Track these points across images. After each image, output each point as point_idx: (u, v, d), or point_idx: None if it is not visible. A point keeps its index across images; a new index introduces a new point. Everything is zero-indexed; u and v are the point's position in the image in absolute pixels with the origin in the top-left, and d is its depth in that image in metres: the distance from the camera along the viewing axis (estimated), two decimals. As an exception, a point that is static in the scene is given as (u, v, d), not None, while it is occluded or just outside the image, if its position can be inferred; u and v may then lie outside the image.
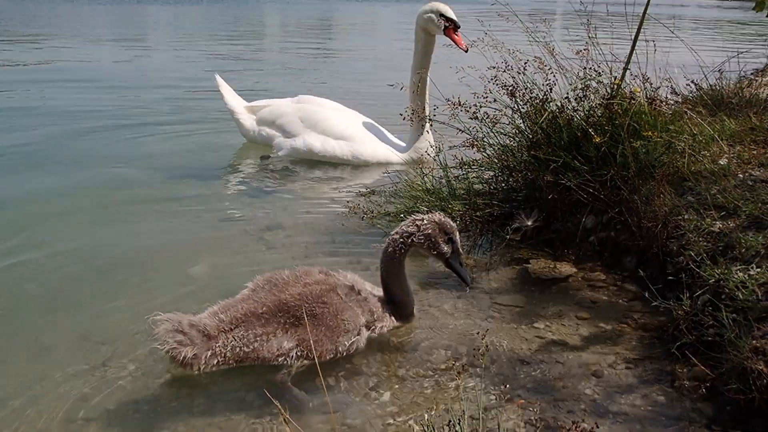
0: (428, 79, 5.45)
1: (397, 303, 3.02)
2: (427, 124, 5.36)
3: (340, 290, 2.85)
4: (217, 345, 2.63)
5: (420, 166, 5.19)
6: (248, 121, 6.21)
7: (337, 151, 5.79)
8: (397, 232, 2.96)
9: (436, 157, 4.34)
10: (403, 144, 5.84)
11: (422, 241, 2.93)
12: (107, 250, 3.92)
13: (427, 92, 5.47)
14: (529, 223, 3.67)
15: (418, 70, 5.45)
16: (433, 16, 5.30)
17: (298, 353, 2.69)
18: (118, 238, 4.13)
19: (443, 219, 2.98)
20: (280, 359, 2.68)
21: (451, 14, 5.27)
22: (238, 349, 2.64)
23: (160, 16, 28.07)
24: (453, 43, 5.34)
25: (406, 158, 5.69)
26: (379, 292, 3.04)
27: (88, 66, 12.44)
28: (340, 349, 2.77)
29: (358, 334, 2.83)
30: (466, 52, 5.07)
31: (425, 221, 2.94)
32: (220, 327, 2.66)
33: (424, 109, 5.39)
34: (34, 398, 2.58)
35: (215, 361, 2.64)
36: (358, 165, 5.78)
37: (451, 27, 5.29)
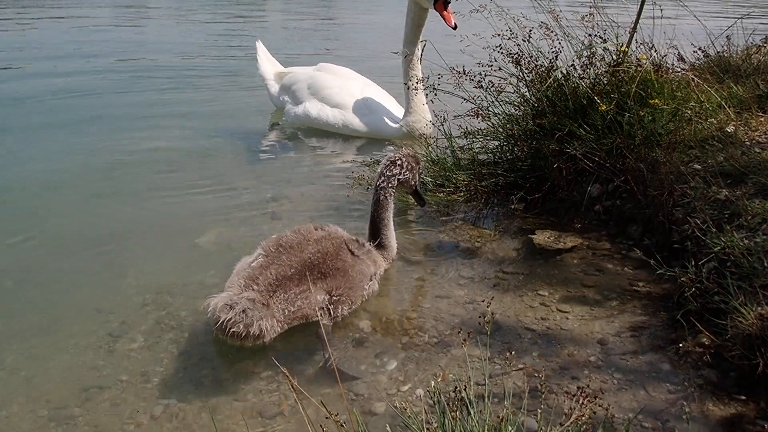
0: (420, 51, 5.35)
1: (385, 246, 3.27)
2: (422, 96, 5.32)
3: (350, 245, 3.04)
4: (274, 312, 2.68)
5: (413, 140, 5.19)
6: (274, 87, 6.27)
7: (330, 119, 5.78)
8: (383, 179, 3.23)
9: (441, 127, 4.31)
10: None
11: (408, 177, 3.29)
12: (114, 222, 3.93)
13: (419, 65, 5.39)
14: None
15: (407, 45, 5.35)
16: None
17: (335, 299, 2.83)
18: (124, 209, 4.14)
19: (412, 153, 3.40)
20: (320, 312, 2.78)
21: None
22: (286, 311, 2.71)
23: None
24: (442, 19, 5.14)
25: (398, 131, 5.64)
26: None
27: (93, 37, 12.36)
28: (365, 293, 3.00)
29: (371, 281, 3.05)
30: (455, 29, 4.93)
31: (404, 159, 3.28)
32: (263, 295, 2.69)
33: (417, 83, 5.32)
34: (47, 369, 2.62)
35: (279, 328, 2.69)
36: (349, 135, 5.75)
37: (440, 2, 5.12)
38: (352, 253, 3.01)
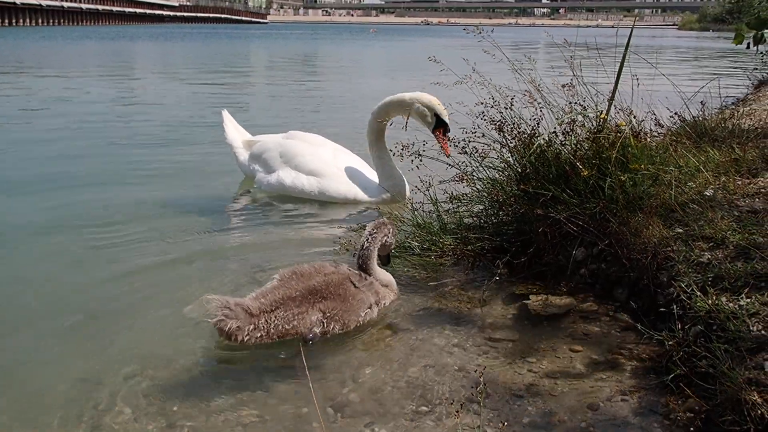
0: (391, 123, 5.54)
1: (386, 283, 3.66)
2: (394, 163, 5.47)
3: (352, 278, 3.48)
4: (259, 321, 3.12)
5: (392, 204, 5.25)
6: (243, 155, 6.28)
7: (306, 187, 5.79)
8: (370, 239, 3.62)
9: (426, 192, 4.37)
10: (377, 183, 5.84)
11: (390, 242, 3.72)
12: (99, 292, 3.90)
13: (385, 139, 5.57)
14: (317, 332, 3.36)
15: (373, 148, 5.63)
16: (426, 111, 5.28)
17: (328, 316, 3.27)
18: (108, 278, 4.10)
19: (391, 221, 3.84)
20: (313, 329, 3.23)
21: (446, 117, 5.20)
22: (280, 326, 3.16)
23: (147, 52, 28.21)
24: (437, 143, 5.18)
25: (375, 198, 5.71)
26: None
27: (75, 99, 12.51)
28: (360, 319, 3.41)
29: (369, 308, 3.46)
30: (448, 156, 4.89)
31: (389, 226, 3.71)
32: (262, 308, 3.15)
33: (387, 154, 5.47)
34: (29, 444, 2.55)
35: (258, 335, 3.13)
36: (325, 202, 5.77)
37: (441, 129, 5.19)
38: (354, 285, 3.43)
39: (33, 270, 4.29)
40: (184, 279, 4.06)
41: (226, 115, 6.39)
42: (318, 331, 3.24)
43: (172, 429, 2.64)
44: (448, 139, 5.07)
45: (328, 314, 3.27)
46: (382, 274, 3.67)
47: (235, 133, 6.37)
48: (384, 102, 5.49)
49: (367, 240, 3.62)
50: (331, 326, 3.28)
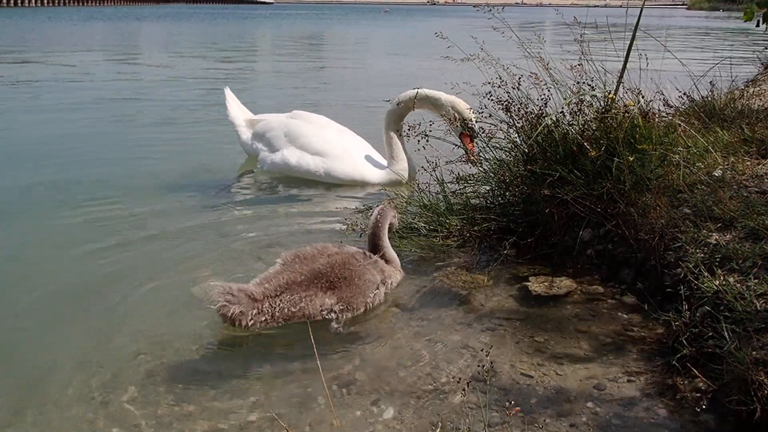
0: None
1: (390, 259, 3.63)
2: (405, 148, 5.45)
3: (357, 256, 3.42)
4: (263, 306, 3.11)
5: (399, 185, 5.23)
6: (246, 134, 6.25)
7: (311, 167, 5.76)
8: (380, 217, 3.63)
9: (433, 172, 4.35)
10: (384, 163, 5.82)
11: (395, 222, 3.76)
12: (104, 270, 3.90)
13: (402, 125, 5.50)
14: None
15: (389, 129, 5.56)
16: (456, 114, 5.19)
17: (341, 307, 3.25)
18: (115, 258, 4.11)
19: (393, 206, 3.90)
20: (324, 314, 3.22)
21: (474, 125, 5.03)
22: (286, 310, 3.15)
23: (154, 33, 28.13)
24: (462, 146, 5.07)
25: (383, 179, 5.69)
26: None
27: (82, 80, 12.50)
28: (368, 301, 3.36)
29: (377, 289, 3.41)
30: (472, 162, 4.71)
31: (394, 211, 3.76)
32: (266, 293, 3.13)
33: (399, 134, 5.44)
34: (36, 423, 2.57)
35: (262, 319, 3.11)
36: (330, 183, 5.75)
37: (468, 136, 5.09)
38: (359, 263, 3.38)
39: (35, 248, 4.30)
40: (189, 258, 4.06)
41: (229, 93, 6.36)
42: (336, 326, 3.21)
43: (178, 406, 2.66)
44: (473, 144, 5.02)
45: (341, 305, 3.25)
46: (390, 251, 3.64)
47: (238, 111, 6.34)
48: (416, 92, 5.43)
49: (378, 215, 3.61)
50: (342, 315, 3.27)
